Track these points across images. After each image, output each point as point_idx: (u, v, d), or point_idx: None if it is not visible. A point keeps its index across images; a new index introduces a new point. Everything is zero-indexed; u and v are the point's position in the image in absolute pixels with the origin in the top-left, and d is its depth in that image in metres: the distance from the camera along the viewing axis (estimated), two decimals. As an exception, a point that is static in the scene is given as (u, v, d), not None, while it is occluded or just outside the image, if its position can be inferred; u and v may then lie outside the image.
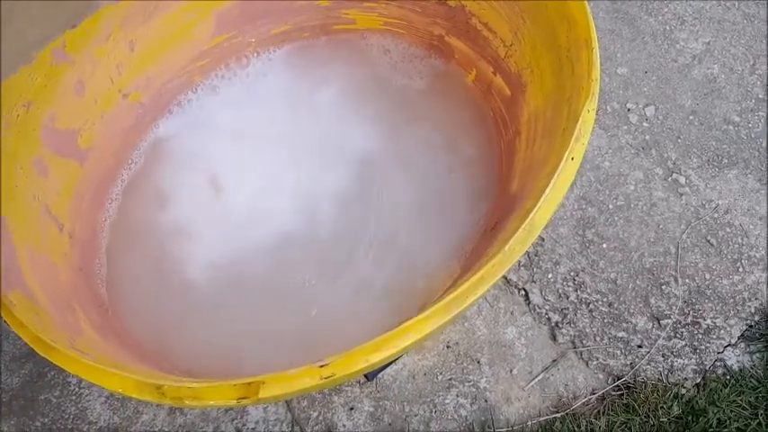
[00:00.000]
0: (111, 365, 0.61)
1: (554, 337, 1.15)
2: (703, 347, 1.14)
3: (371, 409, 1.10)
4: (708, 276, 1.19)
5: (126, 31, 0.91)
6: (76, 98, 0.87)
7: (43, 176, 0.83)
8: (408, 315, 0.59)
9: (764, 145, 1.31)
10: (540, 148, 0.80)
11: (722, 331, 1.15)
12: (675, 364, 1.13)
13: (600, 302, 1.17)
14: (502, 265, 0.62)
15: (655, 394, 1.09)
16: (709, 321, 1.16)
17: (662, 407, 1.07)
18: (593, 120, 0.66)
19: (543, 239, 1.22)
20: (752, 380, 1.10)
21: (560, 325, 1.15)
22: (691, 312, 1.16)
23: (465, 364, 1.13)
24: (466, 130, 1.06)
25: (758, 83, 1.39)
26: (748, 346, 1.14)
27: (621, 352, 1.14)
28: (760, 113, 1.35)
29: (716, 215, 1.25)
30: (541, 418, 1.09)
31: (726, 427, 1.05)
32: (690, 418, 1.07)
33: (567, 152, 0.64)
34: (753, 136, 1.33)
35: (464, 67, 1.08)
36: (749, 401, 1.08)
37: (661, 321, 1.15)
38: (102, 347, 0.77)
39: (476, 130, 1.05)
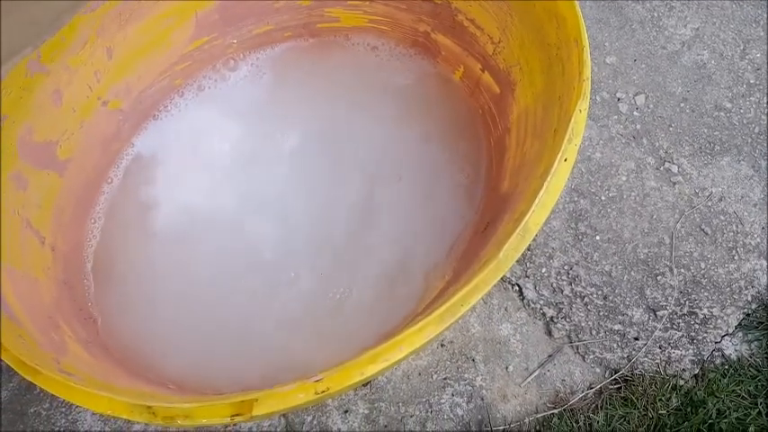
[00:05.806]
0: (100, 387, 0.60)
1: (549, 332, 1.14)
2: (701, 338, 1.13)
3: (366, 412, 1.08)
4: (703, 265, 1.18)
5: (103, 38, 0.88)
6: (54, 108, 0.85)
7: (22, 190, 0.81)
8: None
9: (756, 131, 1.30)
10: (531, 147, 0.78)
11: (719, 321, 1.14)
12: (673, 355, 1.12)
13: (595, 295, 1.16)
14: (496, 272, 0.61)
15: (653, 387, 1.08)
16: (705, 311, 1.15)
17: (660, 399, 1.07)
18: (585, 120, 0.65)
19: (536, 234, 1.21)
20: (750, 369, 1.10)
21: (555, 320, 1.14)
22: (687, 302, 1.15)
23: (460, 363, 1.12)
24: (454, 126, 1.04)
25: (749, 68, 1.38)
26: (746, 334, 1.13)
27: (618, 345, 1.13)
28: (751, 99, 1.34)
29: (710, 203, 1.24)
30: (539, 415, 1.08)
31: (725, 417, 1.05)
32: (689, 409, 1.06)
33: (559, 153, 0.63)
34: (745, 122, 1.31)
35: (451, 64, 1.06)
36: (748, 391, 1.07)
37: (657, 313, 1.14)
38: (90, 364, 0.75)
39: (464, 127, 1.03)
